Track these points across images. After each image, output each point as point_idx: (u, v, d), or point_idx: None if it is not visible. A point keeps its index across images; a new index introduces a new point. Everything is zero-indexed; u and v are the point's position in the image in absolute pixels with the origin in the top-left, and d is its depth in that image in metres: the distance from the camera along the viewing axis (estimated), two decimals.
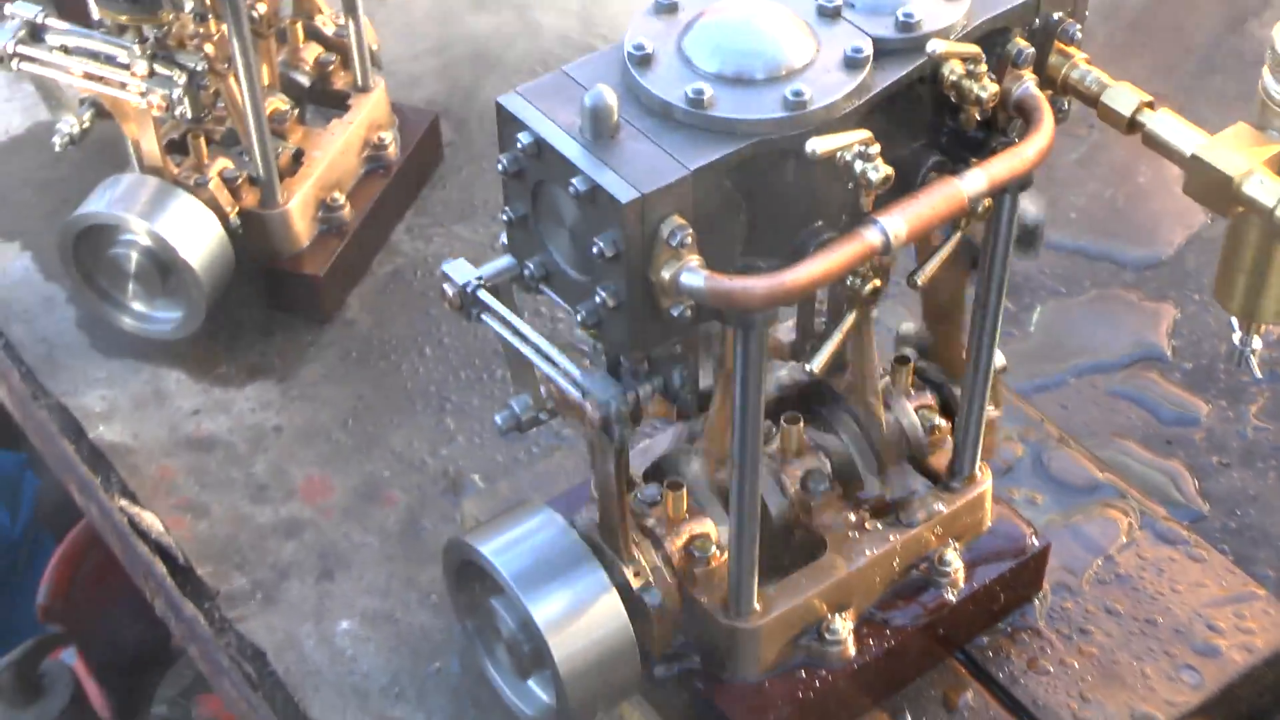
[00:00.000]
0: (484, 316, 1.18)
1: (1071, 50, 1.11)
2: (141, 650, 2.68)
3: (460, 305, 1.17)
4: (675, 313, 1.01)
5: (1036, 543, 1.33)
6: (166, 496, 1.63)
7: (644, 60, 1.02)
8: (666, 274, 0.98)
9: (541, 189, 1.03)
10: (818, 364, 1.08)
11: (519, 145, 1.01)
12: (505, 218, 1.07)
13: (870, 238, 1.00)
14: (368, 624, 1.53)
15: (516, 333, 1.18)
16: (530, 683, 1.25)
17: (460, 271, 1.17)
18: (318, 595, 1.56)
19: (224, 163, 1.74)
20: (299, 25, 1.87)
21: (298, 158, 1.80)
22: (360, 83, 1.86)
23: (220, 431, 1.70)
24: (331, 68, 1.88)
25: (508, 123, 1.01)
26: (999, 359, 1.32)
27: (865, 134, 0.98)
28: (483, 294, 1.17)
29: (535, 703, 1.25)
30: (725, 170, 0.99)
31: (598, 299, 1.01)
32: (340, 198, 1.80)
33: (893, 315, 1.49)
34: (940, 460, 1.31)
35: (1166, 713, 1.30)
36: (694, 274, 0.98)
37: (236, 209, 1.73)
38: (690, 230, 0.98)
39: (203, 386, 1.74)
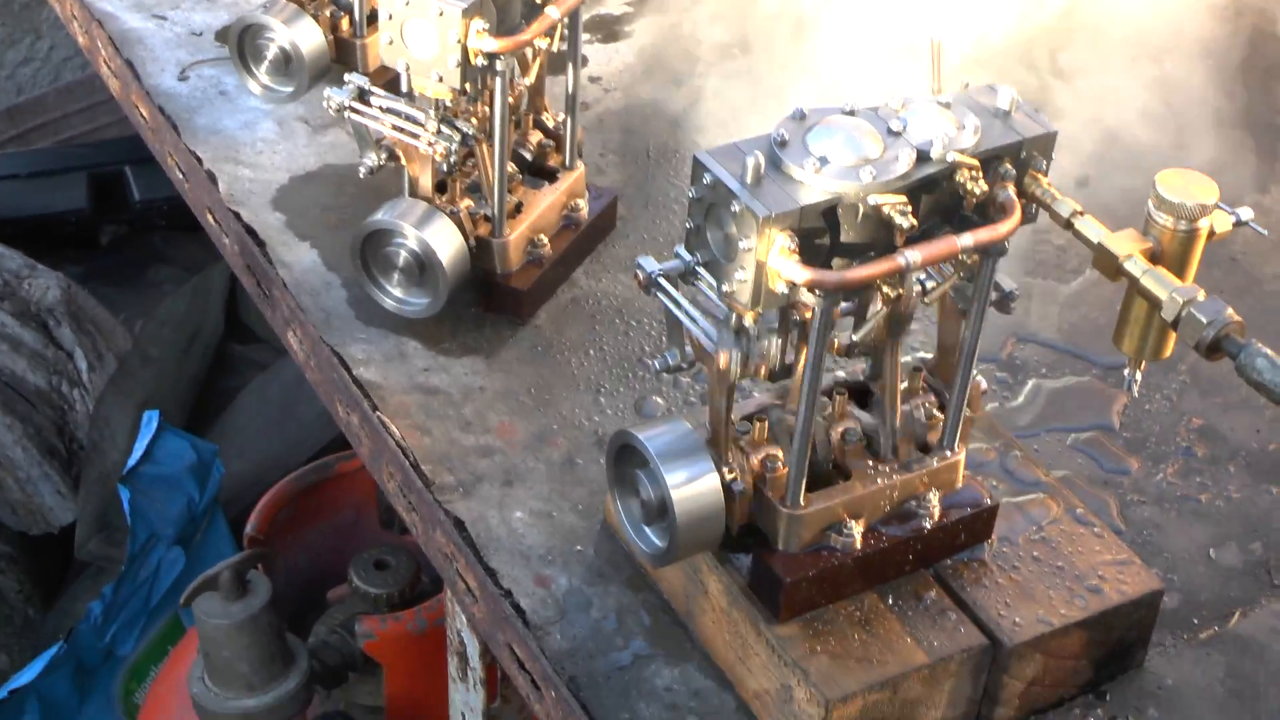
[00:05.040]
0: (657, 292, 1.89)
1: (1039, 175, 1.81)
2: (306, 589, 3.38)
3: (644, 283, 1.89)
4: (779, 289, 1.72)
5: (989, 501, 2.00)
6: (403, 419, 2.32)
7: (782, 143, 1.74)
8: (777, 263, 1.70)
9: (712, 209, 1.74)
10: (858, 335, 1.79)
11: (704, 180, 1.73)
12: (687, 226, 1.78)
13: (899, 259, 1.71)
14: (534, 516, 2.19)
15: (677, 304, 1.89)
16: (649, 530, 1.93)
17: (649, 264, 1.88)
18: (500, 495, 2.22)
19: (469, 202, 2.47)
20: (530, 117, 2.61)
21: (518, 208, 2.52)
22: (568, 164, 2.59)
23: (442, 384, 2.39)
24: (548, 150, 2.62)
25: (698, 167, 1.74)
26: (982, 382, 2.01)
27: (901, 198, 1.69)
28: (660, 278, 1.89)
29: (650, 544, 1.92)
30: (819, 210, 1.70)
31: (737, 275, 1.72)
32: (543, 239, 2.51)
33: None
34: (934, 437, 1.99)
35: (1059, 619, 1.94)
36: (792, 265, 1.69)
37: (474, 235, 2.46)
38: (796, 240, 1.69)
39: (432, 354, 2.42)
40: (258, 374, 4.54)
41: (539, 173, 2.59)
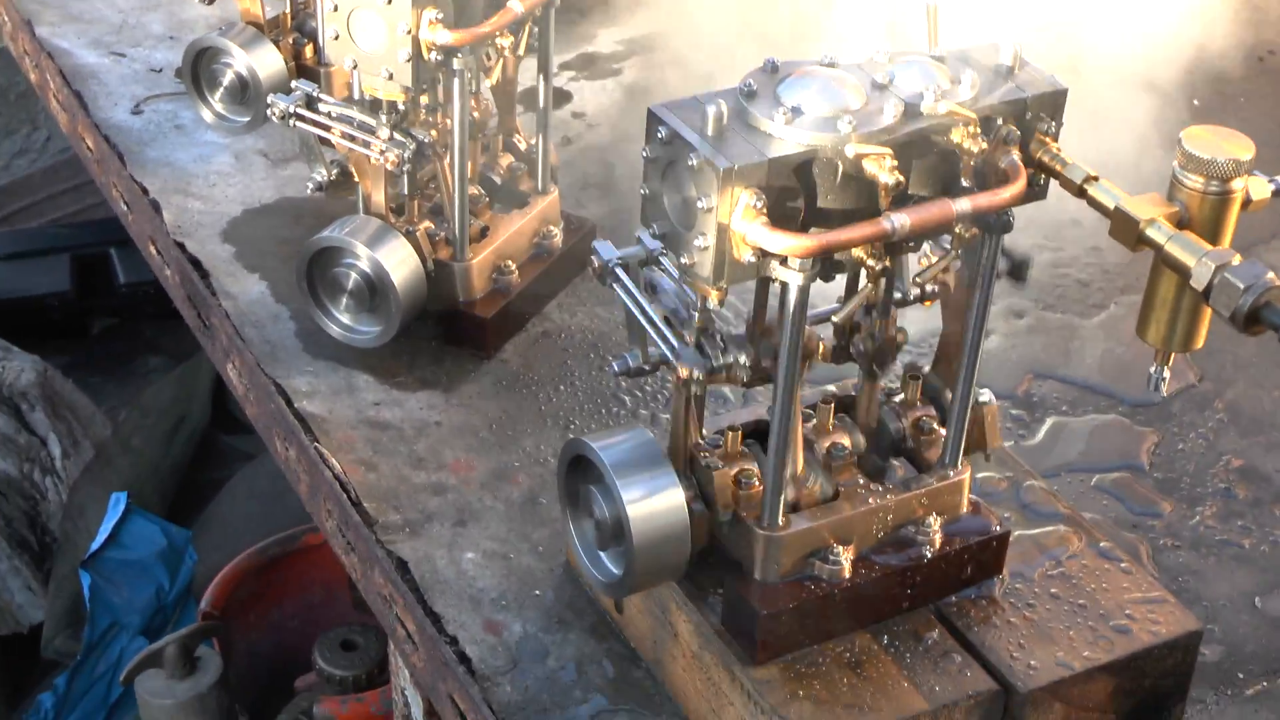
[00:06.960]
0: (615, 285, 1.66)
1: (1047, 139, 1.58)
2: (272, 674, 3.12)
3: (601, 274, 1.66)
4: (745, 258, 1.48)
5: (999, 529, 1.75)
6: (347, 454, 2.08)
7: (749, 94, 1.51)
8: (742, 226, 1.46)
9: (669, 170, 1.52)
10: (839, 317, 1.55)
11: (659, 136, 1.50)
12: (642, 192, 1.55)
13: (884, 224, 1.47)
14: (487, 558, 1.95)
15: (638, 304, 1.66)
16: (604, 556, 1.68)
17: (606, 250, 1.65)
18: (452, 535, 1.98)
19: (428, 223, 2.25)
20: (500, 138, 2.40)
21: (484, 232, 2.30)
22: (541, 187, 2.37)
23: (393, 419, 2.15)
24: (520, 174, 2.40)
25: (654, 121, 1.51)
26: (986, 394, 1.77)
27: (887, 150, 1.46)
28: (619, 270, 1.66)
29: (606, 572, 1.68)
30: (792, 165, 1.47)
31: (696, 243, 1.49)
32: (512, 265, 2.28)
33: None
34: (934, 454, 1.74)
35: (1082, 663, 1.68)
36: (760, 228, 1.46)
37: (433, 258, 2.24)
38: (764, 199, 1.46)
39: (385, 388, 2.19)
40: (245, 464, 4.30)
41: (512, 200, 2.37)
